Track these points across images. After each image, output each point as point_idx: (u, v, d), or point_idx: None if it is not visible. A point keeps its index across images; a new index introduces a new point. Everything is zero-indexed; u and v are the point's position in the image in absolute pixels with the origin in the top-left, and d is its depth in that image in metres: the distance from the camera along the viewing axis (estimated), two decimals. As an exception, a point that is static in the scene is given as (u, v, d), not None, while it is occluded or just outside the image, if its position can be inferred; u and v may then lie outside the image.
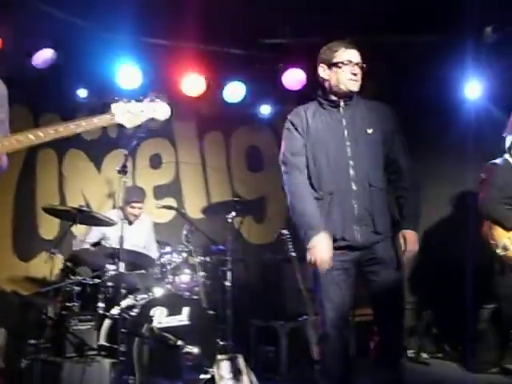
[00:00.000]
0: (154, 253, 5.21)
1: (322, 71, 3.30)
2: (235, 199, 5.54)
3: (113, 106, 2.83)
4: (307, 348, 4.64)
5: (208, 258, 5.03)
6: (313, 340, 4.61)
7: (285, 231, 5.15)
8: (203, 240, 5.29)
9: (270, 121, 6.70)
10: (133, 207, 5.35)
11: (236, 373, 4.33)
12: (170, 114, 3.03)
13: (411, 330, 5.70)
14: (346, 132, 3.21)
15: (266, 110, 6.58)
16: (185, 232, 4.95)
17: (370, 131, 3.22)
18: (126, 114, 2.84)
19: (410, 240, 3.13)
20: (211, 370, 4.28)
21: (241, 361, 4.43)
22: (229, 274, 4.92)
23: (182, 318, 4.38)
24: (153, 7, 4.92)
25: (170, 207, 5.40)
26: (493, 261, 4.72)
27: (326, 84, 3.29)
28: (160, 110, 2.99)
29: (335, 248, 3.12)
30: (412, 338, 5.59)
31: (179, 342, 4.19)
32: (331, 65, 3.25)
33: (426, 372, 5.13)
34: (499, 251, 4.59)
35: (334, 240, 3.13)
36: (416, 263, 5.75)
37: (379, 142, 3.23)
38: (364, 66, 3.26)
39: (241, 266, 5.58)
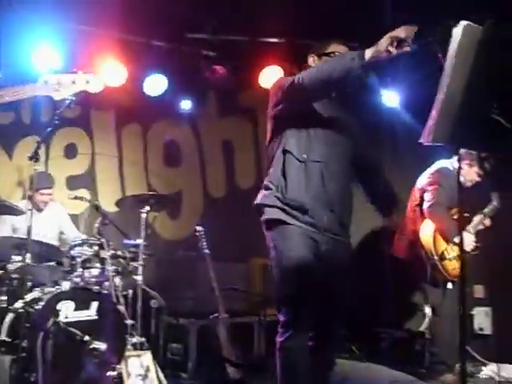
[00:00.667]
0: (74, 233, 5.09)
1: (312, 61, 3.28)
2: (150, 193, 5.46)
3: (42, 76, 2.72)
4: (217, 346, 4.63)
5: (120, 252, 4.92)
6: (223, 338, 4.61)
7: (199, 228, 5.13)
8: (116, 233, 5.17)
9: (189, 116, 6.65)
10: (42, 194, 5.22)
11: (144, 370, 4.26)
12: (102, 87, 2.93)
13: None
14: (338, 117, 3.21)
15: (186, 104, 6.53)
16: (97, 225, 4.82)
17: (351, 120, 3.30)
18: (55, 86, 2.73)
19: None
20: (119, 366, 4.19)
21: (149, 358, 4.36)
22: (140, 269, 4.84)
23: (90, 313, 4.25)
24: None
25: (82, 198, 5.24)
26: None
27: None
28: (93, 83, 2.89)
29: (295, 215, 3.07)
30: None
31: (86, 338, 4.06)
32: (322, 55, 3.24)
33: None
34: (436, 258, 4.57)
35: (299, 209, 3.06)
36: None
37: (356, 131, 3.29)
38: None
39: (153, 262, 5.50)
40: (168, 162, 6.75)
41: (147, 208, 4.99)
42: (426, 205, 4.68)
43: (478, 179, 4.74)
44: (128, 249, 4.99)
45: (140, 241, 4.90)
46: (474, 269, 4.55)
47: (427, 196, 4.69)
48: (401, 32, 2.65)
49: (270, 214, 3.15)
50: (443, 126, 2.04)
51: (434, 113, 2.08)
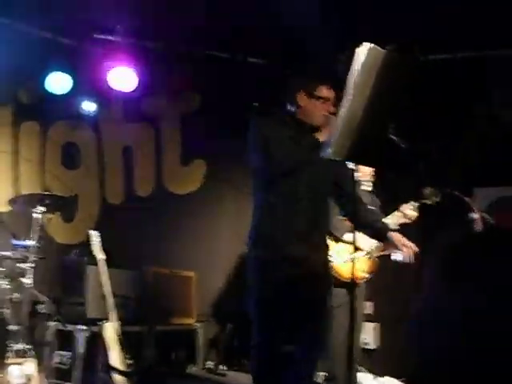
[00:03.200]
0: None
1: (300, 99, 3.40)
2: (44, 193, 5.28)
3: None
4: (105, 354, 4.53)
5: (8, 253, 4.71)
6: (111, 346, 4.51)
7: (94, 232, 5.01)
8: (5, 234, 4.95)
9: (91, 118, 6.49)
10: None
11: (25, 379, 4.09)
12: None
13: (213, 341, 5.83)
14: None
15: (89, 106, 6.37)
16: (-15, 223, 4.62)
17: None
18: None
19: None
20: (-2, 374, 4.00)
21: (32, 366, 4.19)
22: (29, 272, 4.66)
23: (-29, 317, 4.05)
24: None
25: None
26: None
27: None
28: None
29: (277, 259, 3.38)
30: (212, 350, 5.72)
31: (-36, 344, 3.87)
32: (311, 96, 3.36)
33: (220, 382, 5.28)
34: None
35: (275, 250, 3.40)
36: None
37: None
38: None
39: (43, 265, 5.30)
40: (66, 163, 6.55)
41: (41, 209, 4.82)
42: None
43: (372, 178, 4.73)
44: (17, 250, 4.79)
45: (30, 242, 4.71)
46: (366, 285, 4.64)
47: None
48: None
49: None
50: (342, 142, 2.12)
51: (334, 129, 2.15)
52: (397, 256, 3.62)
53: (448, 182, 4.78)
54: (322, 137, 3.23)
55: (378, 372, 5.34)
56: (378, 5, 4.50)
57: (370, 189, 4.76)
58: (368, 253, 4.47)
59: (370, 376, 5.25)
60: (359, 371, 4.87)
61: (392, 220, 4.41)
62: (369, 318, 5.70)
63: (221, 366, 5.59)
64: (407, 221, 4.43)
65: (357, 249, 4.20)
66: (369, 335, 5.75)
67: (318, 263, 3.46)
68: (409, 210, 4.41)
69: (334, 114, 3.41)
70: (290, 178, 3.32)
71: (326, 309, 3.48)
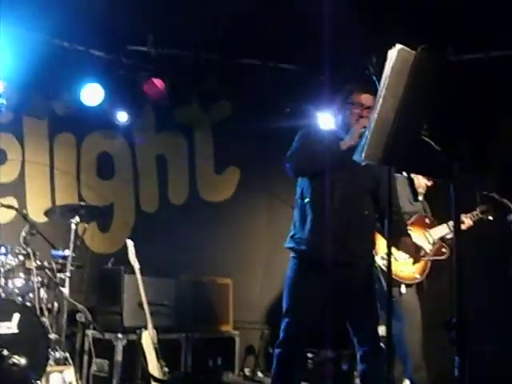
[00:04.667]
0: None
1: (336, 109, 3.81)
2: (80, 203, 5.35)
3: None
4: (144, 362, 4.55)
5: (46, 263, 4.79)
6: (149, 354, 4.54)
7: (130, 242, 5.06)
8: (43, 244, 5.03)
9: (125, 128, 6.57)
10: None
11: (66, 386, 4.15)
12: (3, 89, 2.87)
13: (250, 348, 5.83)
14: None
15: (122, 117, 6.45)
16: (23, 234, 4.68)
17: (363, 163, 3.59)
18: None
19: None
20: (39, 382, 4.05)
21: (72, 373, 4.24)
22: (67, 282, 4.72)
23: (11, 326, 4.10)
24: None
25: (10, 207, 5.08)
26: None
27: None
28: None
29: (306, 260, 3.64)
30: (249, 357, 5.71)
31: (5, 352, 3.92)
32: (346, 103, 3.67)
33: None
34: (378, 261, 4.41)
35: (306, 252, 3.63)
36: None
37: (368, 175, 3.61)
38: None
39: (80, 274, 5.37)
40: (101, 174, 6.63)
41: (77, 219, 4.89)
42: None
43: (428, 184, 4.77)
44: (55, 260, 4.87)
45: (68, 252, 4.78)
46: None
47: None
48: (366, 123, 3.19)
49: None
50: (375, 145, 2.10)
51: (367, 132, 2.14)
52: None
53: (484, 184, 4.73)
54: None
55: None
56: (408, 4, 4.46)
57: (421, 198, 4.79)
58: (422, 256, 4.40)
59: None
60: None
61: (441, 232, 4.59)
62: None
63: (258, 373, 5.58)
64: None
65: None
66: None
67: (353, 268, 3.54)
68: (466, 219, 4.58)
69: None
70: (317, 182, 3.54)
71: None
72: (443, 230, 4.61)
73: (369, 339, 3.56)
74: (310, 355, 5.59)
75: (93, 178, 6.57)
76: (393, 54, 2.10)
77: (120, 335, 5.02)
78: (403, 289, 4.45)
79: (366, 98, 3.57)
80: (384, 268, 4.35)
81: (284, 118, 5.88)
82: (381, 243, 4.52)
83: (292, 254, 3.65)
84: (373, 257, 3.84)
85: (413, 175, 4.80)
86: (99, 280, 5.70)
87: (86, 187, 6.47)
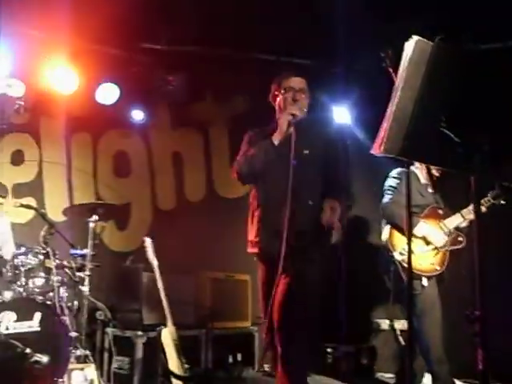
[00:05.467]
0: (10, 252, 4.93)
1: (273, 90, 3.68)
2: (98, 202, 5.37)
3: None
4: (164, 359, 4.56)
5: (66, 262, 4.82)
6: (170, 351, 4.55)
7: (148, 239, 5.06)
8: (62, 243, 5.06)
9: (141, 126, 6.59)
10: None
11: (88, 383, 4.17)
12: (23, 92, 2.90)
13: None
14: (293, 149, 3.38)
15: (137, 115, 6.46)
16: (43, 233, 4.71)
17: (305, 152, 3.47)
18: None
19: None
20: (61, 380, 4.08)
21: (93, 371, 4.27)
22: (86, 280, 4.75)
23: (33, 324, 4.14)
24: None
25: (29, 207, 5.11)
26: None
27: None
28: (15, 87, 2.85)
29: (262, 258, 3.65)
30: (269, 353, 5.69)
31: (27, 350, 3.95)
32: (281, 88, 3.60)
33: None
34: (397, 256, 4.46)
35: (260, 250, 3.61)
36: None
37: (313, 163, 3.49)
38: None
39: (99, 272, 5.40)
40: (117, 172, 6.66)
41: (95, 217, 4.91)
42: (380, 206, 4.73)
43: (436, 175, 4.76)
44: (74, 259, 4.89)
45: (87, 251, 4.80)
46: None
47: (383, 199, 4.74)
48: (292, 110, 3.40)
49: None
50: (394, 138, 2.08)
51: (385, 124, 2.11)
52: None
53: (504, 175, 4.66)
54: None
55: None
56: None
57: (430, 190, 4.74)
58: (440, 247, 4.52)
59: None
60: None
61: (455, 221, 4.56)
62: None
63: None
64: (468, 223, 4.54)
65: (428, 242, 4.49)
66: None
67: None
68: (470, 214, 4.49)
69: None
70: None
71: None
72: (457, 220, 4.58)
73: None
74: (329, 350, 5.58)
75: (109, 176, 6.60)
76: (410, 45, 2.08)
77: (140, 332, 5.03)
78: (425, 281, 4.42)
79: (295, 81, 3.57)
80: (404, 263, 4.37)
81: (331, 128, 5.87)
82: (397, 238, 4.53)
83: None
84: (323, 244, 3.52)
85: (418, 166, 4.77)
86: (118, 278, 5.72)
87: (103, 186, 6.51)
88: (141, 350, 4.97)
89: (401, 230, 4.50)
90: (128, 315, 5.30)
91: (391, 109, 2.09)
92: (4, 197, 5.19)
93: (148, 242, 5.04)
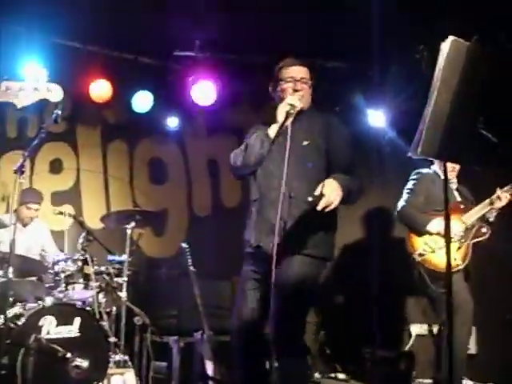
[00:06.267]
0: (55, 252, 5.05)
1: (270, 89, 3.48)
2: (134, 209, 5.43)
3: (3, 83, 2.72)
4: (201, 364, 4.59)
5: (104, 268, 4.88)
6: (207, 356, 4.56)
7: (184, 245, 5.10)
8: (100, 249, 5.13)
9: (176, 133, 6.64)
10: (29, 208, 5.18)
11: (126, 388, 4.21)
12: (62, 97, 2.94)
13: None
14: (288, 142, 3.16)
15: (172, 122, 6.52)
16: (81, 240, 4.79)
17: (305, 143, 3.23)
18: (16, 92, 2.74)
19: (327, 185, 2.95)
20: (101, 384, 4.13)
21: (132, 376, 4.31)
22: (124, 286, 4.80)
23: (73, 329, 4.20)
24: (65, 8, 4.78)
25: (67, 214, 5.20)
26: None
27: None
28: (54, 92, 2.91)
29: (251, 256, 3.28)
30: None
31: (68, 355, 4.01)
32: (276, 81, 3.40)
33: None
34: (416, 258, 4.46)
35: (251, 248, 3.26)
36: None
37: (313, 155, 3.23)
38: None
39: (137, 279, 5.46)
40: (154, 179, 6.72)
41: (132, 224, 4.96)
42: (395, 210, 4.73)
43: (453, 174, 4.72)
44: (112, 265, 4.96)
45: (124, 257, 4.86)
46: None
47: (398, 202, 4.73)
48: (290, 100, 3.14)
49: None
50: (431, 140, 2.06)
51: (421, 126, 2.10)
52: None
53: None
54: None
55: (480, 380, 5.13)
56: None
57: (455, 186, 4.70)
58: (458, 240, 4.45)
59: (471, 384, 5.07)
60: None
61: (477, 213, 4.48)
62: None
63: (315, 374, 5.55)
64: (501, 205, 4.46)
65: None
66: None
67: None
68: (503, 194, 4.43)
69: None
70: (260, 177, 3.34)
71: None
72: (478, 212, 4.50)
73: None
74: (366, 355, 5.54)
75: (146, 183, 6.68)
76: (446, 45, 2.06)
77: (177, 338, 5.06)
78: None
79: (294, 71, 3.36)
80: (426, 264, 4.40)
81: (335, 116, 5.85)
82: (415, 240, 4.54)
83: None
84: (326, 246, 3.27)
85: (437, 163, 4.70)
86: (155, 284, 5.77)
87: (139, 193, 6.58)
88: (178, 355, 5.00)
89: (417, 231, 4.51)
90: (165, 320, 5.35)
91: (428, 110, 2.07)
92: (39, 203, 5.30)
93: (185, 247, 5.07)
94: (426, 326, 5.52)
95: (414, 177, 4.75)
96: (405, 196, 4.69)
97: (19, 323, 4.06)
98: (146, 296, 5.77)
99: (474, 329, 5.49)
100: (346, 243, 5.97)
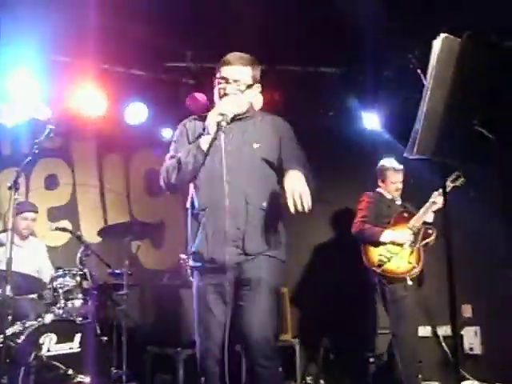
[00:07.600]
0: (50, 271, 4.99)
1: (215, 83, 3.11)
2: (132, 221, 5.41)
3: None
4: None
5: (103, 282, 4.85)
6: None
7: (184, 256, 5.08)
8: (99, 264, 5.10)
9: (171, 144, 6.60)
10: (25, 218, 5.05)
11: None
12: (50, 115, 2.95)
13: (310, 356, 5.77)
14: (223, 147, 2.97)
15: (167, 133, 6.49)
16: (79, 255, 4.75)
17: (255, 146, 3.00)
18: (6, 114, 2.75)
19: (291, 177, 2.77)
20: (103, 399, 4.10)
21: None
22: (124, 299, 4.77)
23: (74, 345, 4.17)
24: (56, 23, 4.76)
25: (64, 229, 5.17)
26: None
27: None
28: (42, 110, 2.92)
29: (206, 270, 3.02)
30: (311, 365, 5.66)
31: (70, 371, 3.98)
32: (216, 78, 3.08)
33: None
34: (377, 270, 4.75)
35: (204, 261, 3.00)
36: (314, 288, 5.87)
37: (266, 157, 3.01)
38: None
39: (137, 291, 5.43)
40: (150, 191, 6.70)
41: (130, 237, 4.94)
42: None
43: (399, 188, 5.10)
44: (112, 279, 4.93)
45: (123, 270, 4.83)
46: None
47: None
48: (221, 109, 2.89)
49: None
50: (427, 139, 2.04)
51: (417, 126, 2.08)
52: None
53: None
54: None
55: (485, 380, 5.11)
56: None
57: (399, 203, 5.10)
58: (409, 246, 4.78)
59: None
60: (466, 379, 4.79)
61: (420, 217, 4.81)
62: (469, 322, 5.50)
63: (321, 381, 5.51)
64: (438, 207, 4.75)
65: (399, 245, 4.78)
66: (471, 340, 5.51)
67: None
68: (439, 198, 4.71)
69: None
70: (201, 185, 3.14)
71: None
72: (423, 215, 4.81)
73: None
74: (371, 360, 5.50)
75: (142, 195, 6.65)
76: (437, 43, 2.04)
77: (180, 349, 5.03)
78: (409, 281, 4.68)
79: (226, 70, 2.99)
80: (386, 273, 4.75)
81: (328, 120, 5.86)
82: (371, 252, 4.86)
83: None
84: (283, 249, 3.09)
85: (382, 185, 5.12)
86: (156, 296, 5.74)
87: (136, 205, 6.56)
88: (181, 366, 4.96)
89: (372, 243, 4.84)
90: (167, 332, 5.31)
91: (422, 109, 2.05)
92: (35, 212, 5.24)
93: (184, 258, 5.05)
94: (429, 328, 5.50)
95: (365, 198, 5.09)
96: (359, 215, 5.01)
97: (19, 341, 4.02)
98: (146, 308, 5.74)
99: (478, 329, 5.52)
100: (345, 243, 5.97)
